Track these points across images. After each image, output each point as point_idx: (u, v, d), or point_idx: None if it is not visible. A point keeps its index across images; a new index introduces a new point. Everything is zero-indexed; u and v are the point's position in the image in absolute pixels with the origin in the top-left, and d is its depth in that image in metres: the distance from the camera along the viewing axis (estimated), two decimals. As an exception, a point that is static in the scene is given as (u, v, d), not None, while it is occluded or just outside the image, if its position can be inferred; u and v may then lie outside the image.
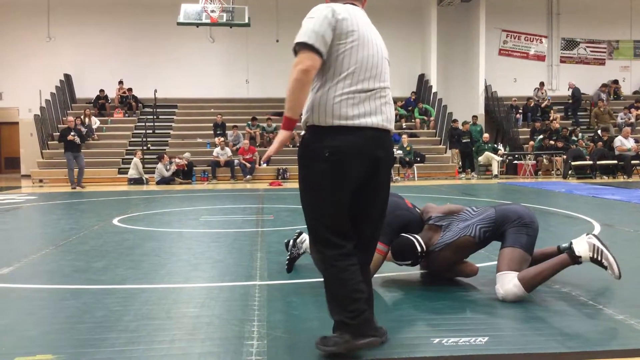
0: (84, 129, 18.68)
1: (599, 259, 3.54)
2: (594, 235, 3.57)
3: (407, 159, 17.33)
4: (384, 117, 2.75)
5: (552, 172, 18.26)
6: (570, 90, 21.94)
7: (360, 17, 2.80)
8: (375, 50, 2.77)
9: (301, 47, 2.59)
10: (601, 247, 3.53)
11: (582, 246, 3.57)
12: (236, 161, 17.64)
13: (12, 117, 22.25)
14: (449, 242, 3.85)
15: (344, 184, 2.66)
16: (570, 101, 21.79)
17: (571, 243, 3.70)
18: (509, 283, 3.54)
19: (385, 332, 2.88)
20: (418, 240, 3.84)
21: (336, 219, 2.68)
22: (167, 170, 16.52)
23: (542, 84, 22.10)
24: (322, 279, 2.78)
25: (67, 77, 21.18)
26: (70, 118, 16.21)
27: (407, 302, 3.73)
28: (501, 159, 18.42)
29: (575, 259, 3.57)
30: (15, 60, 21.03)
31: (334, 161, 2.62)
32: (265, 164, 17.32)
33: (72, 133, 15.18)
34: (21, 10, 21.02)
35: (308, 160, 2.70)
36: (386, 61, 2.86)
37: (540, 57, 23.46)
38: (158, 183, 16.35)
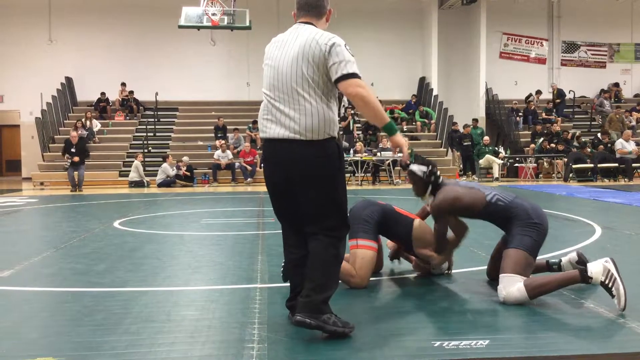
0: (85, 132, 18.74)
1: (610, 285, 3.41)
2: (612, 260, 3.48)
3: (408, 162, 17.28)
4: None
5: (553, 175, 18.24)
6: (553, 91, 21.99)
7: None
8: None
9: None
10: (615, 275, 3.40)
11: (596, 268, 3.46)
12: (237, 164, 17.64)
13: (14, 119, 22.27)
14: (462, 189, 3.92)
15: None
16: (558, 101, 21.76)
17: (560, 260, 3.80)
18: (512, 286, 3.54)
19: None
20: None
21: None
22: (174, 169, 16.62)
23: (538, 92, 22.03)
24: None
25: (69, 80, 21.20)
26: (74, 133, 16.08)
27: (408, 306, 3.73)
28: (502, 161, 18.40)
29: (586, 279, 3.48)
30: (16, 63, 21.05)
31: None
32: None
33: (72, 149, 15.26)
34: (23, 13, 21.05)
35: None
36: None
37: (541, 60, 23.47)
38: (159, 185, 16.36)
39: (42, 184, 17.40)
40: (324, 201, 3.05)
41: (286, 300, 3.30)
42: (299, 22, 3.14)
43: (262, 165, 3.23)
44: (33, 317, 3.52)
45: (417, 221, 4.27)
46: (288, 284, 3.31)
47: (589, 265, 3.51)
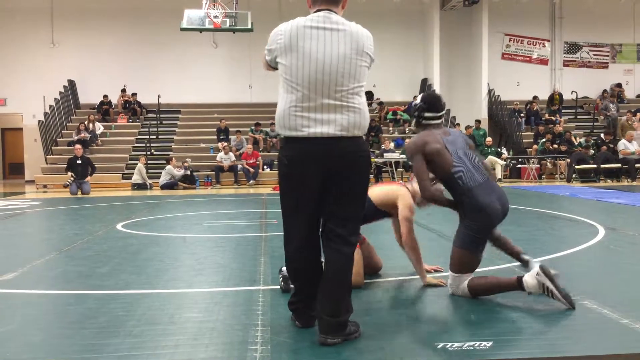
0: (88, 135, 18.78)
1: (551, 296, 3.48)
2: (543, 268, 3.48)
3: (411, 163, 17.28)
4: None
5: (556, 175, 18.22)
6: (554, 95, 21.97)
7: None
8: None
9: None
10: (550, 286, 3.44)
11: (532, 282, 3.50)
12: (239, 166, 17.65)
13: (16, 123, 22.32)
14: (439, 144, 3.80)
15: None
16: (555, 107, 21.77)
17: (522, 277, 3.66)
18: (457, 286, 3.76)
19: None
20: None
21: None
22: (182, 170, 16.76)
23: (535, 97, 21.97)
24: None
25: (71, 82, 21.24)
26: (78, 146, 16.10)
27: (410, 307, 3.73)
28: (505, 162, 18.38)
29: (523, 289, 3.55)
30: (19, 66, 21.10)
31: None
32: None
33: (78, 161, 15.26)
34: (25, 16, 21.10)
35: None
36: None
37: (543, 61, 23.45)
38: (162, 187, 16.38)
39: (45, 186, 17.42)
40: (357, 199, 3.03)
41: (289, 302, 3.26)
42: (324, 10, 2.98)
43: (285, 163, 3.00)
44: (37, 319, 3.53)
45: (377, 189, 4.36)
46: (290, 286, 3.30)
47: (524, 280, 3.54)
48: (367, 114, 3.03)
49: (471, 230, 3.68)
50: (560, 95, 22.05)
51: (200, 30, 16.55)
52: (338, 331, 2.92)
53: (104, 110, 20.84)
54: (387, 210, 4.33)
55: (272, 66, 3.10)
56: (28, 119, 21.16)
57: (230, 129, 19.57)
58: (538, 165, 18.66)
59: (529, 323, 3.25)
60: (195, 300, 3.97)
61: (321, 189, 2.98)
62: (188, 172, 16.92)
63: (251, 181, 17.35)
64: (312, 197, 3.00)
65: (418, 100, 4.00)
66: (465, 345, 2.87)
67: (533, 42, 23.36)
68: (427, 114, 3.91)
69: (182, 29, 16.23)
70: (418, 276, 4.32)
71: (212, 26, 15.94)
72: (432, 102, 3.92)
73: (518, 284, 3.56)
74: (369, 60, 3.00)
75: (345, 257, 2.99)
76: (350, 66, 2.92)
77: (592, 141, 18.66)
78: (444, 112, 4.00)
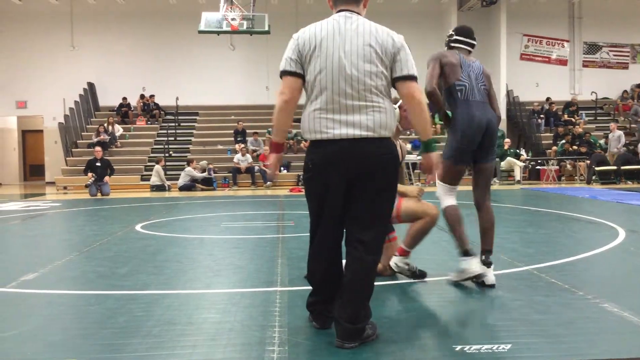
0: (107, 137, 18.96)
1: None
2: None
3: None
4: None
5: (576, 177, 18.03)
6: (573, 101, 21.73)
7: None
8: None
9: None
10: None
11: (471, 266, 4.07)
12: (257, 167, 17.71)
13: (37, 125, 22.62)
14: (455, 59, 4.25)
15: None
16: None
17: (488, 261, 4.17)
18: (441, 195, 4.26)
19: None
20: None
21: None
22: (206, 172, 16.98)
23: (548, 99, 21.73)
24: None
25: (91, 85, 21.48)
26: (98, 148, 16.29)
27: (428, 309, 3.71)
28: (524, 164, 18.23)
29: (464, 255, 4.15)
30: (39, 69, 21.38)
31: None
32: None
33: (97, 163, 15.41)
34: (45, 19, 21.39)
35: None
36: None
37: (562, 62, 23.22)
38: (181, 189, 16.49)
39: (65, 188, 17.63)
40: (383, 202, 2.98)
41: (308, 302, 3.25)
42: (345, 11, 2.98)
43: (310, 166, 2.97)
44: (57, 319, 3.57)
45: None
46: (307, 287, 3.30)
47: (474, 260, 4.10)
48: (393, 114, 2.97)
49: (455, 141, 4.10)
50: (576, 104, 21.74)
51: (218, 33, 16.63)
52: (355, 336, 2.91)
53: (123, 112, 21.04)
54: None
55: (294, 70, 2.94)
56: (48, 121, 21.43)
57: (247, 131, 19.66)
58: (557, 167, 18.48)
59: (548, 326, 3.22)
60: (213, 301, 3.99)
61: (346, 192, 2.94)
62: (209, 174, 17.05)
63: (268, 182, 17.40)
64: (337, 201, 2.95)
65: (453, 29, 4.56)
66: (483, 348, 2.85)
67: (552, 42, 23.14)
68: (456, 37, 4.38)
69: (200, 32, 16.32)
70: (436, 278, 4.31)
71: (229, 28, 16.00)
72: (461, 29, 4.46)
73: (464, 252, 4.10)
74: (389, 57, 2.91)
75: (366, 264, 2.95)
76: (372, 65, 2.88)
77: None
78: (473, 41, 4.41)
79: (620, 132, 18.00)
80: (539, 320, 3.32)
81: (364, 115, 2.88)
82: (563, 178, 18.38)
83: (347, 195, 2.95)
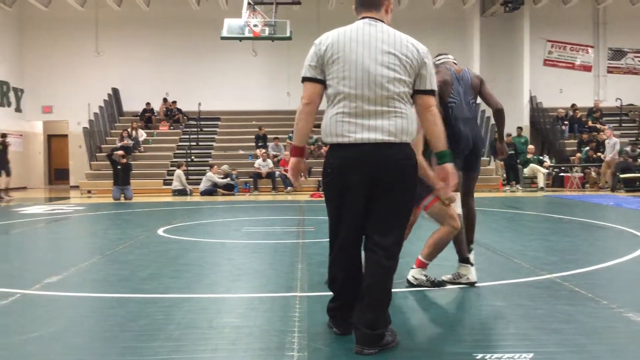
0: (130, 142, 19.17)
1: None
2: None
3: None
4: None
5: (600, 184, 17.77)
6: (596, 107, 21.36)
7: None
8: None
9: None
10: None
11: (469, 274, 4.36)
12: (277, 173, 17.77)
13: (62, 129, 23.00)
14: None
15: None
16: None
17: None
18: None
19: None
20: None
21: None
22: (229, 177, 17.16)
23: (573, 105, 21.44)
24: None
25: (115, 90, 21.76)
26: (121, 152, 16.61)
27: (448, 316, 3.68)
28: (547, 171, 18.03)
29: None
30: (65, 74, 21.74)
31: None
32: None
33: (118, 167, 15.58)
34: (71, 26, 21.74)
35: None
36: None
37: (586, 68, 22.94)
38: (202, 193, 16.60)
39: (89, 192, 17.86)
40: (402, 208, 2.98)
41: (328, 308, 3.24)
42: (368, 18, 2.99)
43: (329, 171, 3.00)
44: (79, 322, 3.61)
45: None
46: (327, 293, 3.29)
47: (469, 269, 4.38)
48: (414, 119, 2.98)
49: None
50: (600, 109, 21.44)
51: (240, 39, 16.74)
52: (375, 342, 2.89)
53: (147, 117, 21.27)
54: None
55: (314, 77, 2.96)
56: (73, 126, 21.76)
57: (268, 136, 19.74)
58: (582, 174, 18.23)
59: (571, 335, 3.17)
60: (233, 305, 4.00)
61: (366, 197, 2.93)
62: (231, 180, 17.17)
63: (289, 188, 17.43)
64: (357, 205, 2.95)
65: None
66: (504, 357, 2.81)
67: (576, 48, 22.88)
68: (439, 54, 4.66)
69: (223, 38, 16.45)
70: (457, 286, 4.28)
71: (251, 35, 16.10)
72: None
73: (464, 259, 4.37)
74: (413, 67, 2.93)
75: (385, 270, 2.94)
76: (395, 72, 2.90)
77: (638, 150, 18.15)
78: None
79: (616, 139, 17.61)
80: (561, 330, 3.27)
81: (386, 121, 2.89)
82: (587, 185, 18.13)
83: (367, 200, 2.94)
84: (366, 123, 2.89)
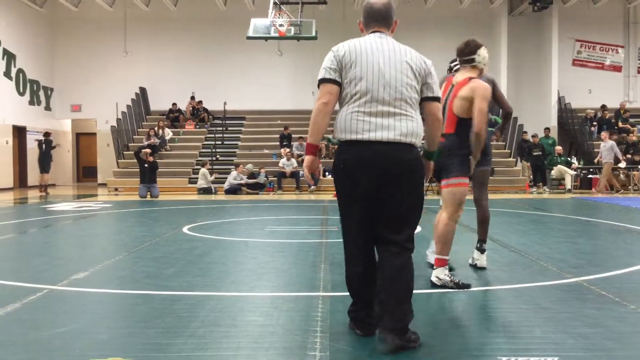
0: (157, 140, 19.38)
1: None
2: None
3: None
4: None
5: (630, 187, 17.45)
6: (622, 109, 20.88)
7: None
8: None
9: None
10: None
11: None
12: (301, 172, 17.80)
13: (90, 128, 23.38)
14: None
15: None
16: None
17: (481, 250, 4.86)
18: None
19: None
20: None
21: None
22: (258, 176, 17.34)
23: (603, 106, 21.05)
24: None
25: (142, 90, 22.03)
26: (148, 150, 16.66)
27: (473, 321, 3.65)
28: (575, 172, 17.76)
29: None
30: (94, 74, 22.09)
31: None
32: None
33: (145, 165, 15.66)
34: (100, 26, 22.07)
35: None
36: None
37: (616, 68, 22.55)
38: (227, 192, 16.72)
39: (116, 189, 18.11)
40: (413, 206, 3.08)
41: (349, 310, 3.28)
42: (377, 32, 3.19)
43: (341, 167, 3.12)
44: (105, 318, 3.67)
45: None
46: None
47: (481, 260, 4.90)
48: (421, 124, 3.14)
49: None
50: (627, 110, 21.01)
51: (266, 39, 16.82)
52: (397, 333, 2.92)
53: (173, 117, 21.48)
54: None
55: (332, 78, 3.11)
56: (101, 125, 22.08)
57: (292, 136, 19.79)
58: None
59: (597, 339, 3.12)
60: (257, 304, 4.02)
61: (376, 194, 3.04)
62: (266, 178, 17.34)
63: (312, 187, 17.46)
64: (368, 202, 3.05)
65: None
66: (529, 360, 2.79)
67: (606, 48, 22.50)
68: (452, 65, 4.99)
69: (248, 38, 16.54)
70: (480, 288, 4.24)
71: (277, 34, 16.17)
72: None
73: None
74: (422, 75, 3.13)
75: (401, 263, 3.01)
76: (407, 78, 3.07)
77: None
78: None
79: (612, 142, 17.14)
80: (588, 334, 3.22)
81: (398, 122, 3.04)
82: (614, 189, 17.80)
83: (377, 197, 3.05)
84: (379, 122, 3.03)
